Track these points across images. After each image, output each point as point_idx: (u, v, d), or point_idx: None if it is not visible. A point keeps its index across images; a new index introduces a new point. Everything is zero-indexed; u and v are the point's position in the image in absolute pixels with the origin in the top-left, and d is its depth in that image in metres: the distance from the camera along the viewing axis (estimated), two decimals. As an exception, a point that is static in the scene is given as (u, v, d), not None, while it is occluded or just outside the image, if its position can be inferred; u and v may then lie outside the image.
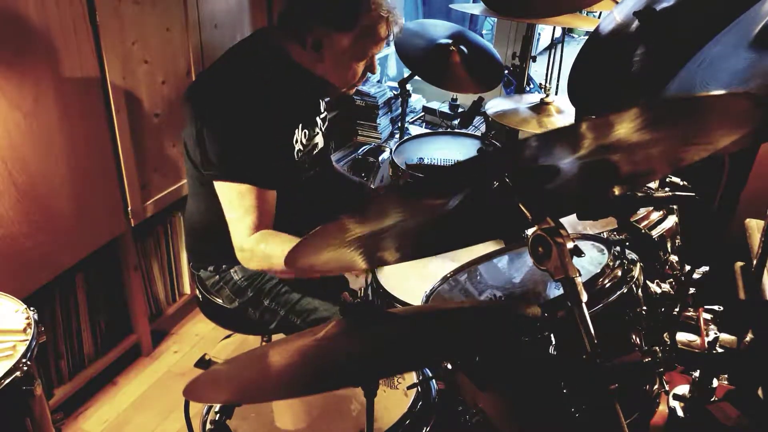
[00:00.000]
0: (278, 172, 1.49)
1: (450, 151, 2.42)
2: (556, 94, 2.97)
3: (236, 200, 1.45)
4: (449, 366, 1.26)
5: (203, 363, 1.80)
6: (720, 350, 1.42)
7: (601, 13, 2.68)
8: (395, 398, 1.27)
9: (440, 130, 3.17)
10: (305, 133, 1.62)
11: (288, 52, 1.54)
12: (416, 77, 2.61)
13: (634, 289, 1.28)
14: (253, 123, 1.45)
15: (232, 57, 1.58)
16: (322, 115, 1.75)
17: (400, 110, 2.99)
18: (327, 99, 1.82)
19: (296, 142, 1.59)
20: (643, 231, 1.58)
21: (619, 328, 1.28)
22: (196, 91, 1.56)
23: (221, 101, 1.47)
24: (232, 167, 1.44)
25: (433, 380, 1.28)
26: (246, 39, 1.62)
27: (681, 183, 1.68)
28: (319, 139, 1.72)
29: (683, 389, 1.72)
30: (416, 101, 3.91)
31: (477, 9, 2.62)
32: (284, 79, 1.53)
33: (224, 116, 1.45)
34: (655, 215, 1.68)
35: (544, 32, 4.80)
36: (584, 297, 0.86)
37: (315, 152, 1.70)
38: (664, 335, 1.45)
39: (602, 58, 1.58)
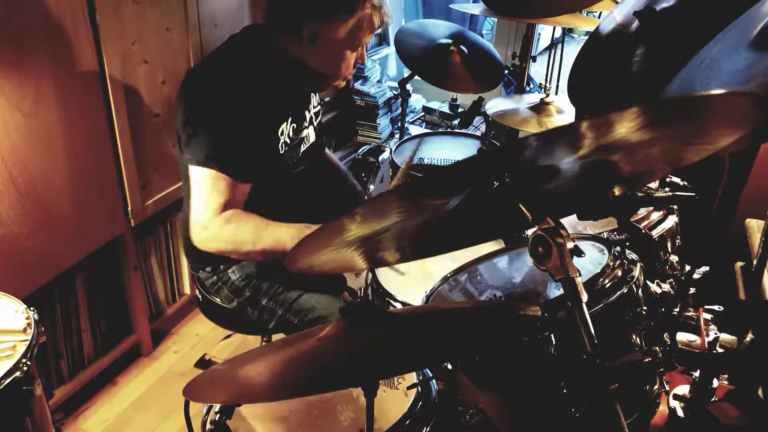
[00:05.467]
0: (256, 165, 1.49)
1: (450, 151, 2.42)
2: (556, 94, 2.97)
3: (207, 183, 1.43)
4: (449, 366, 1.26)
5: (203, 363, 1.80)
6: (720, 350, 1.41)
7: (601, 13, 2.68)
8: (395, 398, 1.27)
9: (440, 130, 3.17)
10: (293, 127, 1.62)
11: (280, 45, 1.54)
12: (416, 77, 2.61)
13: (635, 289, 1.28)
14: (236, 113, 1.45)
15: (222, 51, 1.58)
16: (314, 110, 1.75)
17: (400, 110, 2.99)
18: (321, 95, 1.82)
19: (281, 134, 1.58)
20: (643, 231, 1.58)
21: (619, 328, 1.28)
22: (186, 84, 1.57)
23: (207, 91, 1.49)
24: (208, 154, 1.43)
25: (433, 380, 1.28)
26: (236, 34, 1.62)
27: (681, 183, 1.67)
28: (310, 134, 1.72)
29: (683, 389, 1.72)
30: (416, 101, 3.91)
31: (477, 9, 2.62)
32: (272, 72, 1.53)
33: (208, 105, 1.46)
34: (656, 215, 1.68)
35: (544, 32, 4.80)
36: (584, 297, 0.86)
37: (305, 147, 1.69)
38: (665, 335, 1.45)
39: (602, 58, 1.58)
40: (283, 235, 1.45)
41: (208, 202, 1.43)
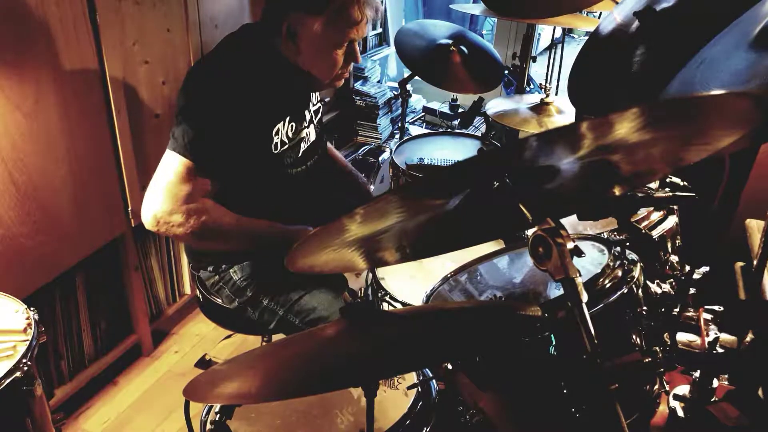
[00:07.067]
0: (233, 163, 1.48)
1: (450, 151, 2.42)
2: (556, 94, 2.97)
3: (177, 170, 1.42)
4: (449, 366, 1.26)
5: (203, 363, 1.80)
6: (720, 350, 1.42)
7: (601, 13, 2.68)
8: (395, 398, 1.27)
9: (440, 130, 3.17)
10: (292, 126, 1.61)
11: (275, 45, 1.54)
12: (416, 77, 2.61)
13: (635, 289, 1.28)
14: (222, 109, 1.45)
15: (217, 50, 1.58)
16: (314, 108, 1.75)
17: (400, 110, 2.99)
18: (321, 94, 1.82)
19: (276, 134, 1.57)
20: (643, 231, 1.58)
21: (620, 328, 1.28)
22: (184, 81, 1.56)
23: (198, 87, 1.49)
24: (185, 144, 1.42)
25: (433, 380, 1.28)
26: (233, 33, 1.62)
27: (681, 183, 1.67)
28: (310, 133, 1.72)
29: (683, 389, 1.72)
30: (416, 101, 3.92)
31: (477, 9, 2.63)
32: (268, 71, 1.53)
33: (196, 100, 1.47)
34: (656, 215, 1.68)
35: (544, 32, 4.81)
36: (584, 297, 0.86)
37: (305, 146, 1.69)
38: (665, 335, 1.45)
39: (602, 58, 1.58)
40: (257, 232, 1.53)
41: (176, 189, 1.42)
